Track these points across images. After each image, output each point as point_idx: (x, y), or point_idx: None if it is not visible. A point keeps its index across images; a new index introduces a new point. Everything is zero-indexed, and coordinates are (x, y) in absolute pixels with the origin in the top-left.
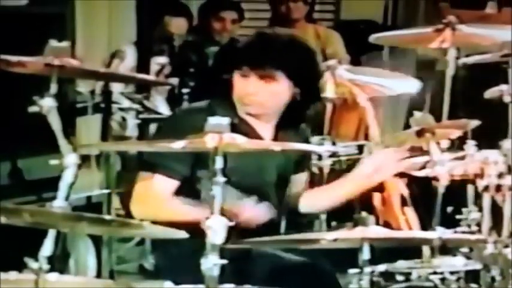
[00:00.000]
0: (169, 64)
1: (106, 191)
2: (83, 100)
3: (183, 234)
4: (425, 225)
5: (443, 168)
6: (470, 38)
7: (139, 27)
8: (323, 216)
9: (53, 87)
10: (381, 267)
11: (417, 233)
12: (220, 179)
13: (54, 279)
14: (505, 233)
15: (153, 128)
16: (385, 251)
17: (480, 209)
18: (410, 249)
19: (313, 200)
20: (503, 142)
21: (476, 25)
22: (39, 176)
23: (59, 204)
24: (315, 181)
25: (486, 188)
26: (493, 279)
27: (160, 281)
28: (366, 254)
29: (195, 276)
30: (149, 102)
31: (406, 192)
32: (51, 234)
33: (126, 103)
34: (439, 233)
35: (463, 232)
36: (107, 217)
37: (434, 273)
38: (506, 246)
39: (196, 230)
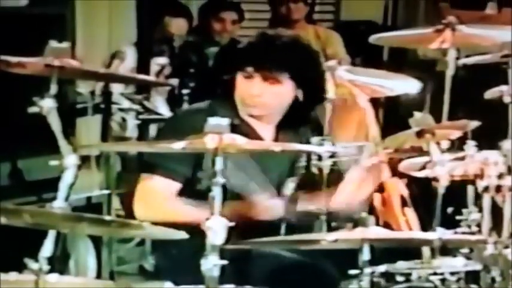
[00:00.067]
0: (170, 65)
1: (106, 192)
2: (83, 101)
3: (183, 235)
4: (425, 226)
5: (443, 168)
6: (470, 38)
7: (140, 28)
8: (323, 217)
9: (53, 88)
10: (381, 268)
11: (417, 233)
12: (220, 179)
13: (54, 280)
14: (505, 233)
15: (153, 128)
16: (385, 252)
17: (480, 210)
18: (410, 250)
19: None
20: (503, 143)
21: (476, 25)
22: (39, 177)
23: (59, 204)
24: (315, 181)
25: (486, 189)
26: (493, 280)
27: (160, 282)
28: (366, 255)
29: (195, 276)
30: (149, 103)
31: (406, 192)
32: (51, 234)
33: (126, 104)
34: (439, 233)
35: (463, 233)
36: (107, 218)
37: (435, 273)
38: (507, 247)
39: (196, 231)
